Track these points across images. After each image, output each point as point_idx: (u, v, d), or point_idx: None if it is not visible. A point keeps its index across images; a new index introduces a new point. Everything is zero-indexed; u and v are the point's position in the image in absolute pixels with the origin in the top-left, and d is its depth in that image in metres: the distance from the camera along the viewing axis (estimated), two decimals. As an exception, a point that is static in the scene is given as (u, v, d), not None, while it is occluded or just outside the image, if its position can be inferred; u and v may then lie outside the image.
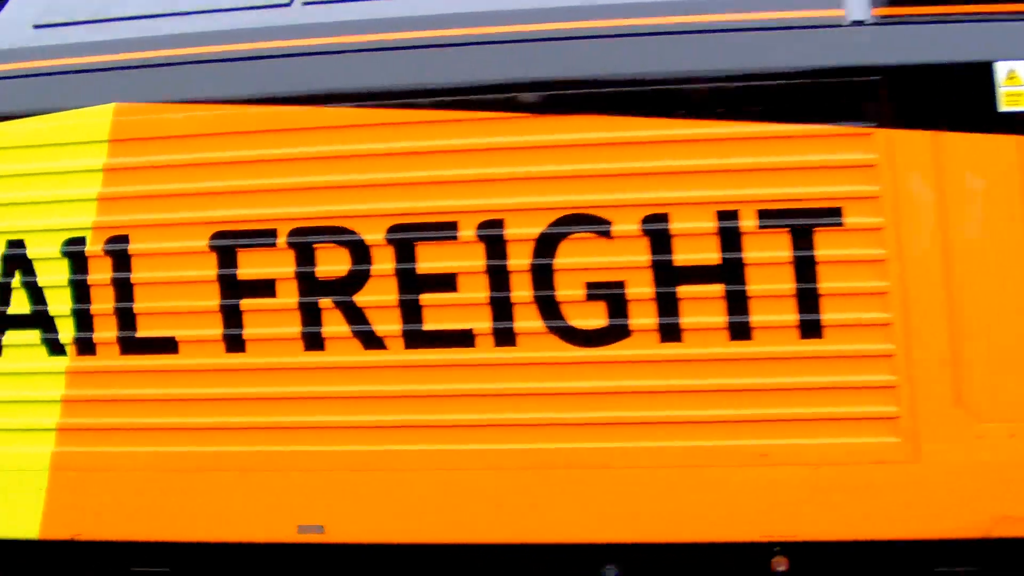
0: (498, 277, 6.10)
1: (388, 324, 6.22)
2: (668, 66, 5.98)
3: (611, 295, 6.03)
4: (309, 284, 6.28)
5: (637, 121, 5.98)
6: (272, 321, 6.33)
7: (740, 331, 5.95)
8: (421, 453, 6.22)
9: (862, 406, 5.84)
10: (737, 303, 5.94)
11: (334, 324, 6.28)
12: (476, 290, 6.13)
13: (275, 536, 6.39)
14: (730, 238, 5.93)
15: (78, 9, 6.82)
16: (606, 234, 6.03)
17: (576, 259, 6.05)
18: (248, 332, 6.36)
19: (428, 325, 6.18)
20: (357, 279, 6.25)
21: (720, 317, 5.96)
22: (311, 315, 6.28)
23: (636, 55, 6.02)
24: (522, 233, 6.09)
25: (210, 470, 6.42)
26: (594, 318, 6.05)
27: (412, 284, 6.19)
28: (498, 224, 6.10)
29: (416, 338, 6.19)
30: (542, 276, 6.07)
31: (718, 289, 5.95)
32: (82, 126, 6.51)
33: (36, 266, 6.58)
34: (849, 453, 5.85)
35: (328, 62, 6.32)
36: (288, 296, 6.30)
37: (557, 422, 6.09)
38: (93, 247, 6.51)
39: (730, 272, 5.94)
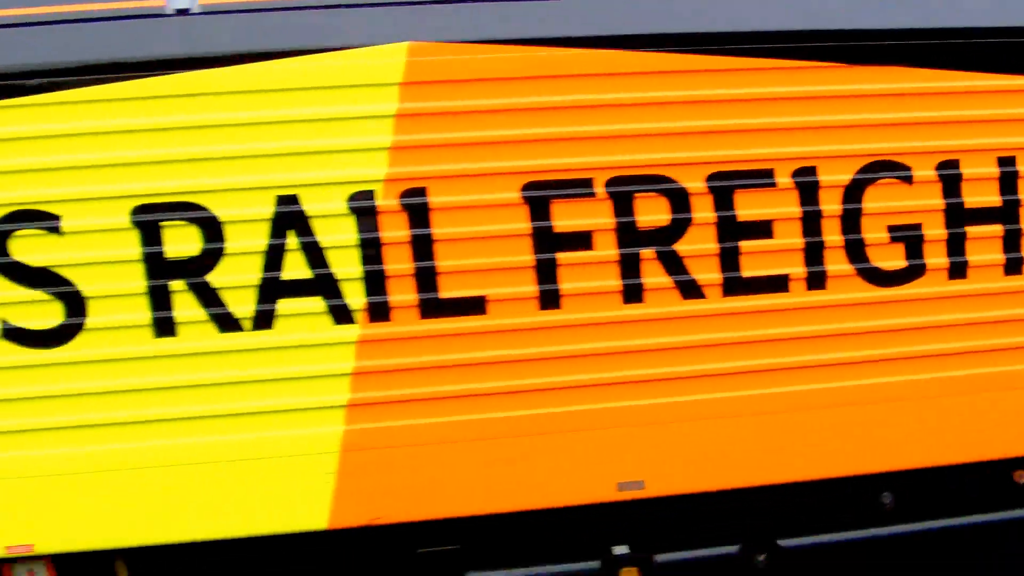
0: (811, 223, 6.29)
1: (707, 273, 6.21)
2: (965, 21, 6.44)
3: (910, 236, 6.42)
4: (629, 235, 6.12)
5: (934, 73, 6.39)
6: (589, 275, 6.10)
7: (1012, 267, 6.57)
8: (739, 399, 6.30)
9: None
10: (1013, 241, 6.56)
11: (653, 275, 6.17)
12: (790, 236, 6.28)
13: (594, 496, 6.20)
14: (1008, 182, 6.52)
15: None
16: (907, 179, 6.40)
17: (880, 204, 6.37)
18: (564, 287, 6.08)
19: (746, 272, 6.25)
20: (677, 228, 6.18)
21: (999, 255, 6.54)
22: (630, 267, 6.13)
23: (942, 9, 6.42)
24: (833, 180, 6.31)
25: (522, 435, 6.11)
26: (895, 259, 6.42)
27: (730, 232, 6.22)
28: (811, 171, 6.27)
29: (734, 286, 6.24)
30: (850, 221, 6.33)
31: (998, 229, 6.52)
32: (371, 67, 5.87)
33: (314, 224, 5.86)
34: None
35: (647, 4, 6.15)
36: (606, 248, 6.11)
37: (867, 359, 6.41)
38: (386, 201, 5.91)
39: (1009, 213, 6.54)
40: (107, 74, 5.69)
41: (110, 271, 5.75)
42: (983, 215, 6.50)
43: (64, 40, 5.72)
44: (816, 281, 6.32)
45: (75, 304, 5.73)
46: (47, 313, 5.73)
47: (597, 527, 6.39)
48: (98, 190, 5.71)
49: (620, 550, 6.37)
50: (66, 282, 5.73)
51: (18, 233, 5.69)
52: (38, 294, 5.72)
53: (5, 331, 5.70)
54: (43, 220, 5.71)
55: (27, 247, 5.70)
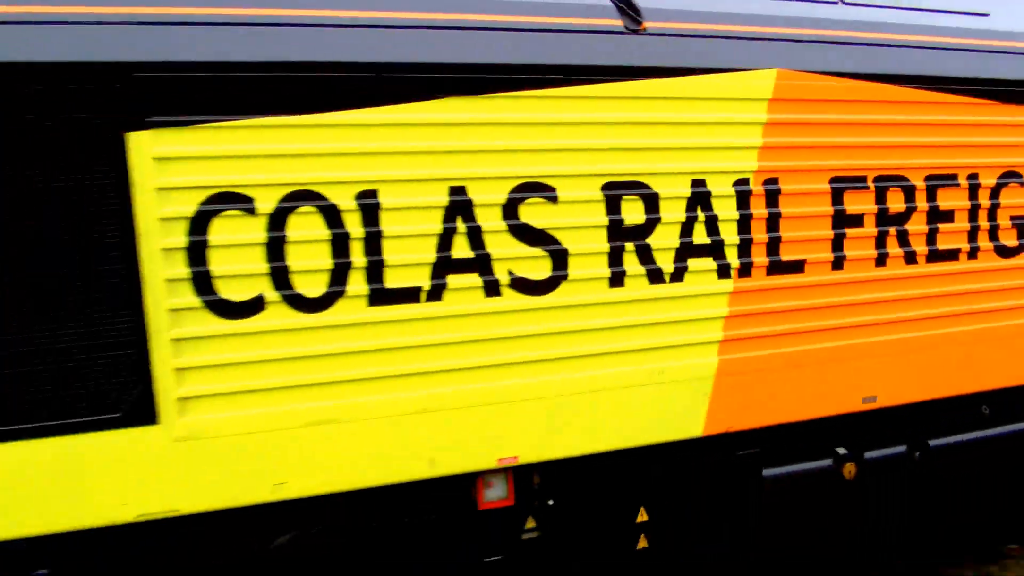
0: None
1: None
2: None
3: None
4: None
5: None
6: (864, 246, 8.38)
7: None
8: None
9: None
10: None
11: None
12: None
13: (847, 408, 8.49)
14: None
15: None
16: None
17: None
18: (848, 254, 8.33)
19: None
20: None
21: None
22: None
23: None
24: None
25: (808, 365, 8.27)
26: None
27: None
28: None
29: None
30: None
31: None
32: (751, 86, 7.80)
33: (713, 202, 7.73)
34: None
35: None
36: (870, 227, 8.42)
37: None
38: (755, 186, 7.88)
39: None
40: (584, 76, 7.21)
41: (587, 234, 7.28)
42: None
43: (554, 46, 7.16)
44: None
45: (560, 260, 7.21)
46: (540, 267, 7.17)
47: (832, 432, 8.64)
48: (582, 169, 7.22)
49: (842, 451, 8.68)
50: (556, 242, 7.20)
51: (528, 201, 7.09)
52: (537, 251, 7.15)
53: (512, 281, 7.09)
54: (544, 191, 7.14)
55: (533, 213, 7.11)
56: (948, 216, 8.74)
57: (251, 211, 6.35)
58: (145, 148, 6.08)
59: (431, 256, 6.81)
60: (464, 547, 7.43)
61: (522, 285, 7.10)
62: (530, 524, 7.69)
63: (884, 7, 8.71)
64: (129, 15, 6.11)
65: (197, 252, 6.24)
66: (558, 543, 7.79)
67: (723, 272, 7.76)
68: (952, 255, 8.80)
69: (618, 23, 7.43)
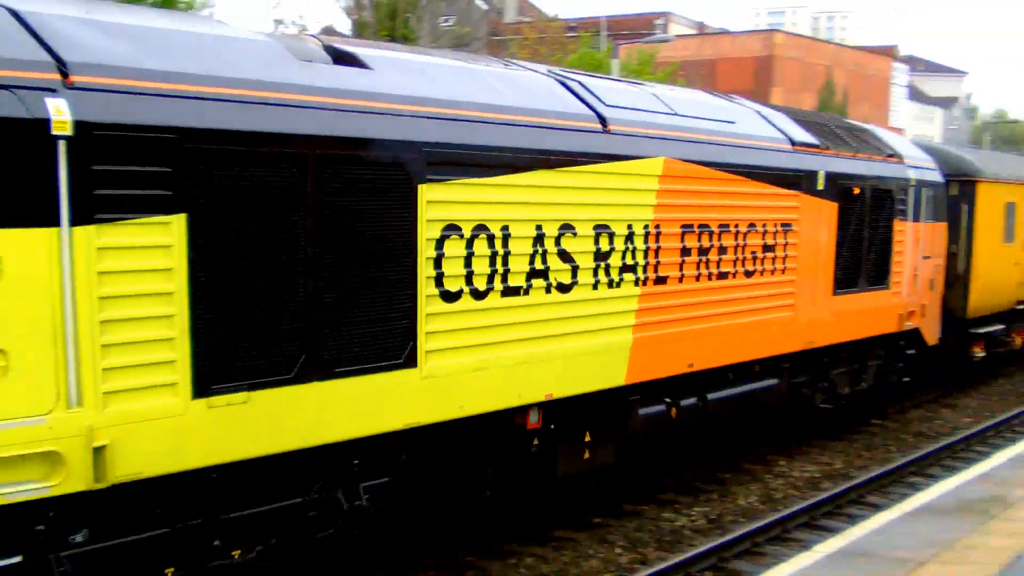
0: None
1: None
2: None
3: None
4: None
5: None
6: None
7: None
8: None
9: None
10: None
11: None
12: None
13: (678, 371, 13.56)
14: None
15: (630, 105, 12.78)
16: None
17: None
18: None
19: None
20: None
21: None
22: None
23: None
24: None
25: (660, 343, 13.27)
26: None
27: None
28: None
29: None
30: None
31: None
32: (648, 167, 12.73)
33: (635, 238, 12.55)
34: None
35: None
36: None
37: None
38: (652, 229, 12.81)
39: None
40: (562, 161, 11.70)
41: (586, 256, 11.82)
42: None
43: (543, 139, 11.56)
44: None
45: (575, 272, 11.72)
46: (567, 276, 11.64)
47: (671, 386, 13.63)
48: (584, 216, 11.78)
49: (668, 400, 13.72)
50: (574, 260, 11.70)
51: (566, 235, 11.55)
52: (566, 266, 11.61)
53: (557, 285, 11.48)
54: (570, 229, 11.63)
55: (565, 242, 11.58)
56: (727, 250, 14.07)
57: (460, 235, 10.34)
58: (423, 195, 9.94)
59: (526, 267, 11.07)
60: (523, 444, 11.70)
61: (560, 287, 11.50)
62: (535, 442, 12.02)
63: (702, 118, 13.91)
64: (425, 113, 9.98)
65: (438, 261, 10.14)
66: (553, 450, 12.16)
67: (637, 282, 12.55)
68: (726, 275, 14.12)
69: (599, 126, 12.06)
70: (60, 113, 7.38)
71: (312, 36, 10.80)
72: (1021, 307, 24.08)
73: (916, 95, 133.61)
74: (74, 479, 7.63)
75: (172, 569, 8.55)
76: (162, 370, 8.09)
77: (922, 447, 17.99)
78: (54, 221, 7.39)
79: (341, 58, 9.95)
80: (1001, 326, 23.12)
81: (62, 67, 7.55)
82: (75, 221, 7.48)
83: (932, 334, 19.70)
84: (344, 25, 43.24)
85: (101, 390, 7.72)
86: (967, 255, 21.51)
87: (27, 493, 7.42)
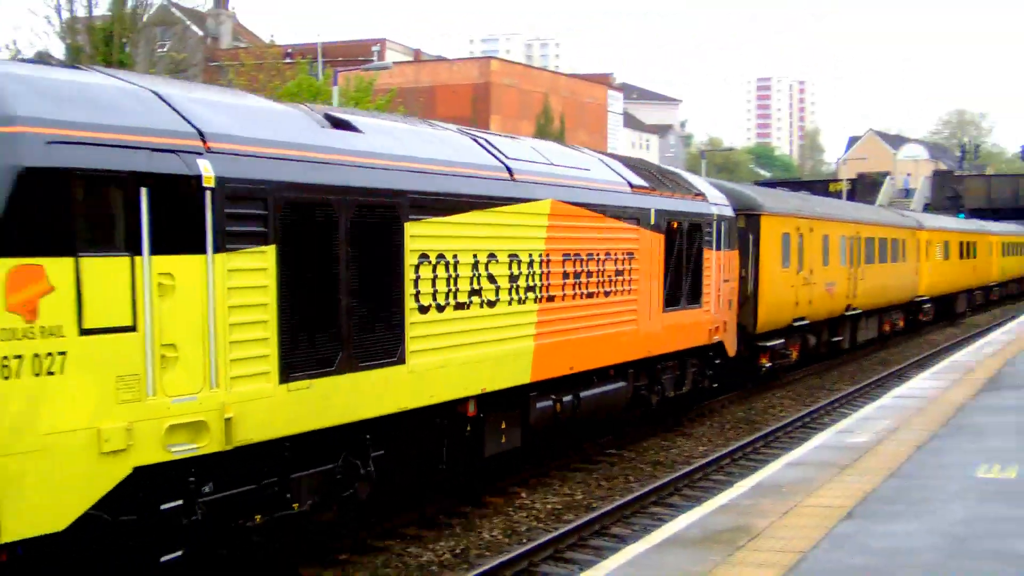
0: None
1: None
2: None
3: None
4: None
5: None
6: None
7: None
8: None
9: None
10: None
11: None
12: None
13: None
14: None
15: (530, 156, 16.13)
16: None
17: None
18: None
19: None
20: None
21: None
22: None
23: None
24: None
25: (565, 343, 16.57)
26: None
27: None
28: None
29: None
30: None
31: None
32: (541, 207, 16.06)
33: (534, 264, 15.83)
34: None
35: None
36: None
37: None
38: (545, 257, 16.13)
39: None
40: (487, 203, 14.92)
41: (504, 279, 15.03)
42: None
43: (477, 186, 14.77)
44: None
45: (498, 291, 14.91)
46: (494, 294, 14.81)
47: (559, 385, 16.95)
48: (502, 246, 15.00)
49: (553, 396, 17.03)
50: (496, 281, 14.88)
51: (491, 262, 14.73)
52: (493, 286, 14.78)
53: (487, 301, 14.63)
54: (494, 258, 14.82)
55: (492, 267, 14.76)
56: (592, 274, 17.47)
57: (428, 262, 13.38)
58: (407, 230, 12.92)
59: (468, 287, 14.18)
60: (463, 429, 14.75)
61: (488, 303, 14.64)
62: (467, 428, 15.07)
63: (568, 166, 17.30)
64: (408, 168, 13.01)
65: (415, 282, 13.14)
66: (482, 435, 15.22)
67: (536, 300, 15.81)
68: (592, 295, 17.52)
69: (507, 175, 15.30)
70: (207, 171, 10.16)
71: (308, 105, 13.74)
72: (796, 324, 28.47)
73: (631, 122, 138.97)
74: (213, 443, 10.33)
75: (259, 516, 11.25)
76: (262, 362, 10.87)
77: (660, 476, 18.36)
78: (203, 249, 10.14)
79: (338, 124, 12.84)
80: (781, 340, 27.43)
81: (202, 136, 10.32)
82: (216, 250, 10.24)
83: (732, 347, 23.62)
84: (57, 49, 41.96)
85: (229, 375, 10.45)
86: (755, 279, 25.63)
87: (186, 452, 10.08)
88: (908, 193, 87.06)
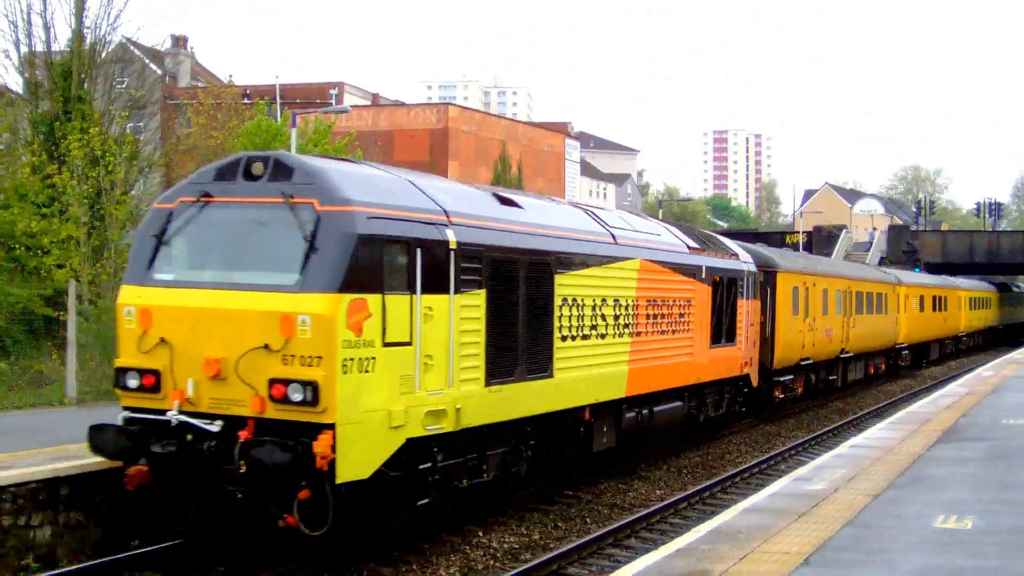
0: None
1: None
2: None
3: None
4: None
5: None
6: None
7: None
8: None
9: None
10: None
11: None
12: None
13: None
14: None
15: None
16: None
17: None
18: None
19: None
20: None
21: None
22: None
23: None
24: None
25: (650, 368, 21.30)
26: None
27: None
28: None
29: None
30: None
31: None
32: (632, 266, 20.86)
33: (627, 308, 20.62)
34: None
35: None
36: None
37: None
38: (635, 302, 20.92)
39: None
40: (601, 261, 19.74)
41: (611, 318, 19.82)
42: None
43: (596, 248, 19.64)
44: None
45: (607, 327, 19.68)
46: (605, 329, 19.58)
47: (645, 401, 21.73)
48: (610, 292, 19.79)
49: (643, 408, 21.80)
50: (605, 320, 19.67)
51: (602, 305, 19.52)
52: (603, 323, 19.57)
53: (600, 334, 19.39)
54: (604, 302, 19.61)
55: (603, 309, 19.54)
56: (665, 316, 22.25)
57: (566, 303, 18.14)
58: (557, 280, 17.69)
59: (589, 323, 18.94)
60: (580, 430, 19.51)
61: (600, 335, 19.39)
62: (581, 429, 19.78)
63: (647, 232, 22.16)
64: (555, 235, 17.84)
65: (559, 318, 17.88)
66: (591, 435, 19.93)
67: (629, 335, 20.59)
68: (666, 332, 22.29)
69: (612, 240, 20.11)
70: (451, 237, 14.93)
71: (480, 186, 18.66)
72: (803, 363, 33.48)
73: (589, 171, 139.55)
74: (448, 424, 15.00)
75: (465, 480, 15.92)
76: (476, 371, 15.61)
77: (617, 518, 18.63)
78: (447, 291, 14.88)
79: (504, 201, 17.60)
80: (791, 376, 32.35)
81: (446, 213, 15.12)
82: (455, 291, 15.01)
83: (755, 378, 28.56)
84: (16, 83, 42.14)
85: (458, 379, 15.17)
86: (772, 323, 30.62)
87: (435, 430, 14.76)
88: (866, 247, 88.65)
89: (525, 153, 75.16)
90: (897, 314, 48.06)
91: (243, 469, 13.18)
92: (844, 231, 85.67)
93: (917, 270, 65.98)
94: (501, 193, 18.16)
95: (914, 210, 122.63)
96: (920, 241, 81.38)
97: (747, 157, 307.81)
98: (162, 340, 14.03)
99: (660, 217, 45.96)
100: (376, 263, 13.76)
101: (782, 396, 31.91)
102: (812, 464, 19.18)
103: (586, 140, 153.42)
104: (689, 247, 24.30)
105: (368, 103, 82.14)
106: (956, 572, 11.60)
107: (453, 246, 15.03)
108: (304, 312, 13.24)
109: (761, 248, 33.80)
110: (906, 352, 50.35)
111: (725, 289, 25.84)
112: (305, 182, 13.93)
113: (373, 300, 13.65)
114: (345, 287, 13.32)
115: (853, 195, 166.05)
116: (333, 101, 69.85)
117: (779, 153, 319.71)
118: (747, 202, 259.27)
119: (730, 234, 75.48)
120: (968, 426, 23.50)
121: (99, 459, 14.73)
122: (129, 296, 14.46)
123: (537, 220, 17.92)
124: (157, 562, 14.68)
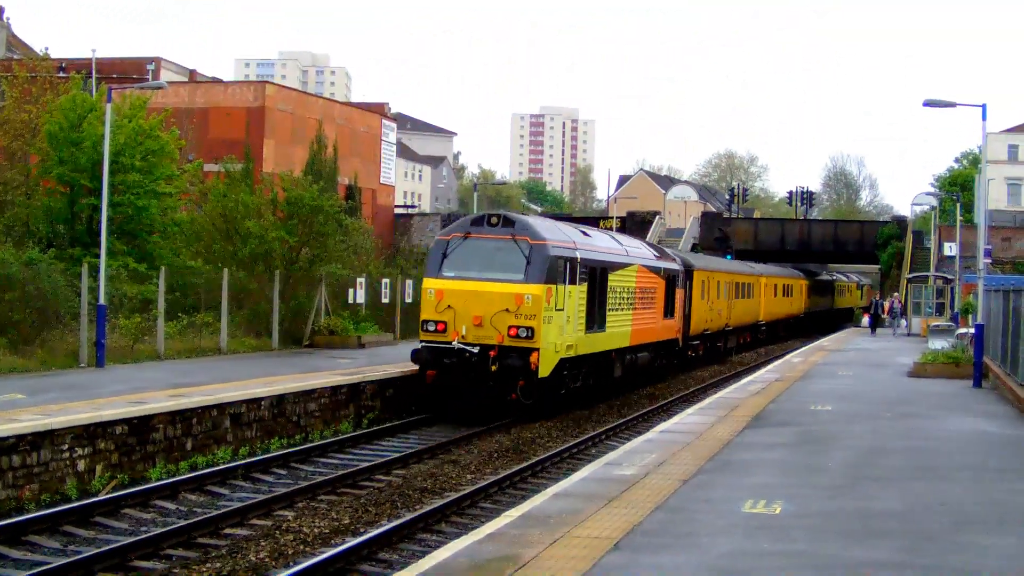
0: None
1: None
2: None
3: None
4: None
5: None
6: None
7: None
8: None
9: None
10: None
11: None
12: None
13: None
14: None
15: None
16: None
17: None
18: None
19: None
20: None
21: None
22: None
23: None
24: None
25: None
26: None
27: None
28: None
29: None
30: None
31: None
32: (633, 270, 34.83)
33: (629, 294, 34.79)
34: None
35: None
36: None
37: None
38: (635, 290, 35.48)
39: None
40: (621, 267, 34.16)
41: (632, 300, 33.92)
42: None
43: (622, 260, 34.00)
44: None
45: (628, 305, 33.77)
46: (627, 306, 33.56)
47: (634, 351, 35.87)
48: (624, 285, 34.60)
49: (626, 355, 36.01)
50: (629, 301, 34.04)
51: (624, 292, 33.90)
52: (625, 302, 33.80)
53: (622, 309, 33.45)
54: (625, 290, 33.66)
55: (624, 294, 33.67)
56: (643, 298, 36.56)
57: (615, 290, 32.87)
58: (609, 278, 32.31)
59: (619, 301, 33.36)
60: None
61: (622, 309, 33.77)
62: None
63: (634, 247, 37.66)
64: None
65: (607, 298, 32.28)
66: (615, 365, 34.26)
67: (631, 309, 34.86)
68: (645, 308, 36.41)
69: (626, 255, 35.42)
70: (578, 256, 29.27)
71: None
72: (705, 333, 48.12)
73: (405, 153, 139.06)
74: (572, 352, 29.06)
75: (572, 384, 29.92)
76: (582, 325, 29.85)
77: (428, 502, 18.21)
78: (575, 283, 29.09)
79: (585, 233, 32.00)
80: (698, 341, 47.28)
81: (574, 242, 29.65)
82: (577, 283, 29.16)
83: (680, 341, 42.71)
84: None
85: (575, 329, 29.28)
86: (689, 305, 44.41)
87: (567, 354, 28.68)
88: (680, 233, 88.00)
89: (341, 133, 73.97)
90: (760, 299, 61.45)
91: (494, 369, 26.65)
92: (658, 217, 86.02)
93: (729, 257, 70.63)
94: (583, 229, 33.06)
95: (727, 197, 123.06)
96: (732, 228, 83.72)
97: (563, 142, 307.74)
98: (448, 306, 27.07)
99: (475, 203, 53.93)
100: (555, 269, 27.43)
101: (692, 354, 46.37)
102: (622, 449, 19.19)
103: (403, 122, 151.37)
104: (655, 255, 39.86)
105: (185, 79, 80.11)
106: (764, 555, 11.52)
107: (578, 260, 29.07)
108: (528, 292, 26.80)
109: (687, 254, 49.72)
110: (764, 328, 63.99)
111: (670, 282, 39.88)
112: (522, 227, 27.47)
113: (553, 287, 27.41)
114: (545, 281, 27.02)
115: (667, 181, 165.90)
116: (150, 77, 67.28)
117: (595, 138, 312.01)
118: (562, 187, 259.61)
119: (549, 217, 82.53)
120: (777, 412, 23.98)
121: (396, 371, 29.36)
122: (430, 283, 27.49)
123: (598, 244, 32.32)
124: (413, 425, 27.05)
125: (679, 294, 41.69)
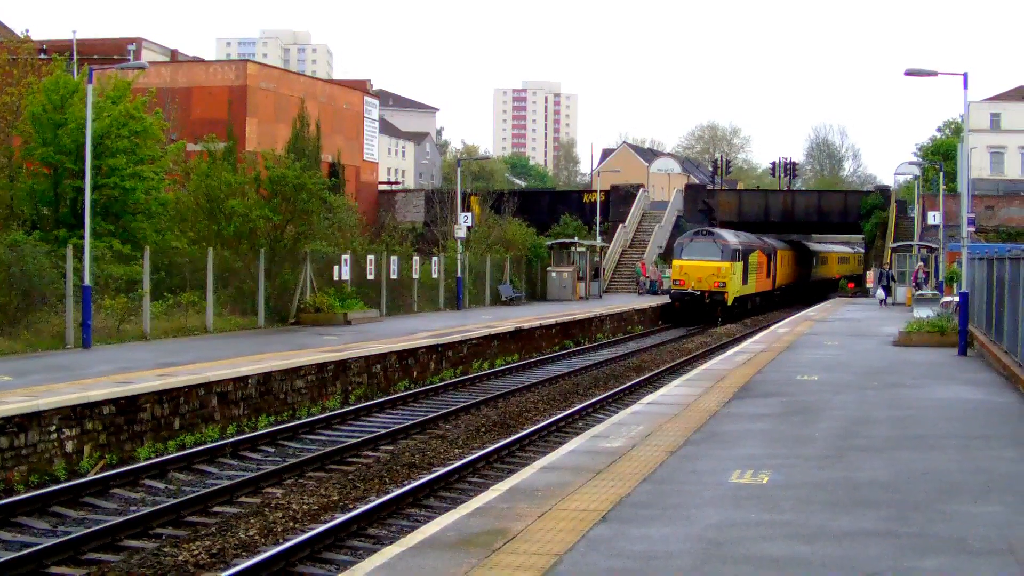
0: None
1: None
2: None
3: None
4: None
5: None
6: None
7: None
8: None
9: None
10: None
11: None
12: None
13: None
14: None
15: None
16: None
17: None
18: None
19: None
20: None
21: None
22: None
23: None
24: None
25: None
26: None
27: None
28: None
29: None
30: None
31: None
32: (762, 253, 34.70)
33: (761, 264, 37.54)
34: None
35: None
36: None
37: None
38: (759, 261, 38.36)
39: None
40: (762, 249, 36.82)
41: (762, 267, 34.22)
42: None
43: (758, 247, 35.84)
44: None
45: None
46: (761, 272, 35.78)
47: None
48: (759, 261, 44.21)
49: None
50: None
51: (759, 263, 38.94)
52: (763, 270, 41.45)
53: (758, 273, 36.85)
54: (759, 262, 33.98)
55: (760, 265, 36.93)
56: (762, 266, 39.92)
57: (752, 264, 58.65)
58: (749, 256, 55.05)
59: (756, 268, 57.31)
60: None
61: (756, 273, 60.95)
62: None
63: (751, 238, 55.02)
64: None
65: (751, 268, 58.51)
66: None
67: (757, 273, 42.84)
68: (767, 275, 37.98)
69: (762, 243, 46.40)
70: (739, 248, 57.90)
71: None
72: (763, 292, 67.83)
73: (388, 129, 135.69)
74: (740, 293, 58.32)
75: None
76: (743, 280, 58.48)
77: (416, 478, 18.11)
78: (738, 261, 57.87)
79: (735, 234, 60.28)
80: (779, 292, 72.91)
81: (737, 239, 60.15)
82: (740, 260, 58.57)
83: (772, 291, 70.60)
84: None
85: (737, 282, 53.18)
86: (774, 269, 70.33)
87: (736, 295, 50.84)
88: (664, 205, 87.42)
89: (324, 111, 74.34)
90: (778, 268, 73.71)
91: (707, 301, 55.57)
92: (641, 190, 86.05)
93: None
94: (735, 232, 59.38)
95: (710, 169, 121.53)
96: (716, 200, 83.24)
97: (546, 116, 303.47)
98: (685, 272, 55.39)
99: (459, 178, 55.75)
100: (737, 255, 56.74)
101: (778, 296, 72.83)
102: (610, 421, 18.85)
103: (385, 98, 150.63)
104: (764, 241, 65.17)
105: (167, 59, 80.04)
106: (752, 526, 11.49)
107: (739, 248, 57.04)
108: (723, 266, 55.75)
109: (769, 239, 70.00)
110: (779, 293, 73.88)
111: (766, 256, 63.50)
112: (716, 235, 57.29)
113: (731, 264, 56.17)
114: (730, 261, 56.00)
115: (650, 154, 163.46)
116: (131, 57, 66.84)
117: (578, 112, 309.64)
118: (545, 161, 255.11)
119: (528, 192, 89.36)
120: (763, 382, 23.65)
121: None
122: (677, 263, 56.42)
123: (743, 240, 58.37)
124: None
125: (764, 263, 64.86)
